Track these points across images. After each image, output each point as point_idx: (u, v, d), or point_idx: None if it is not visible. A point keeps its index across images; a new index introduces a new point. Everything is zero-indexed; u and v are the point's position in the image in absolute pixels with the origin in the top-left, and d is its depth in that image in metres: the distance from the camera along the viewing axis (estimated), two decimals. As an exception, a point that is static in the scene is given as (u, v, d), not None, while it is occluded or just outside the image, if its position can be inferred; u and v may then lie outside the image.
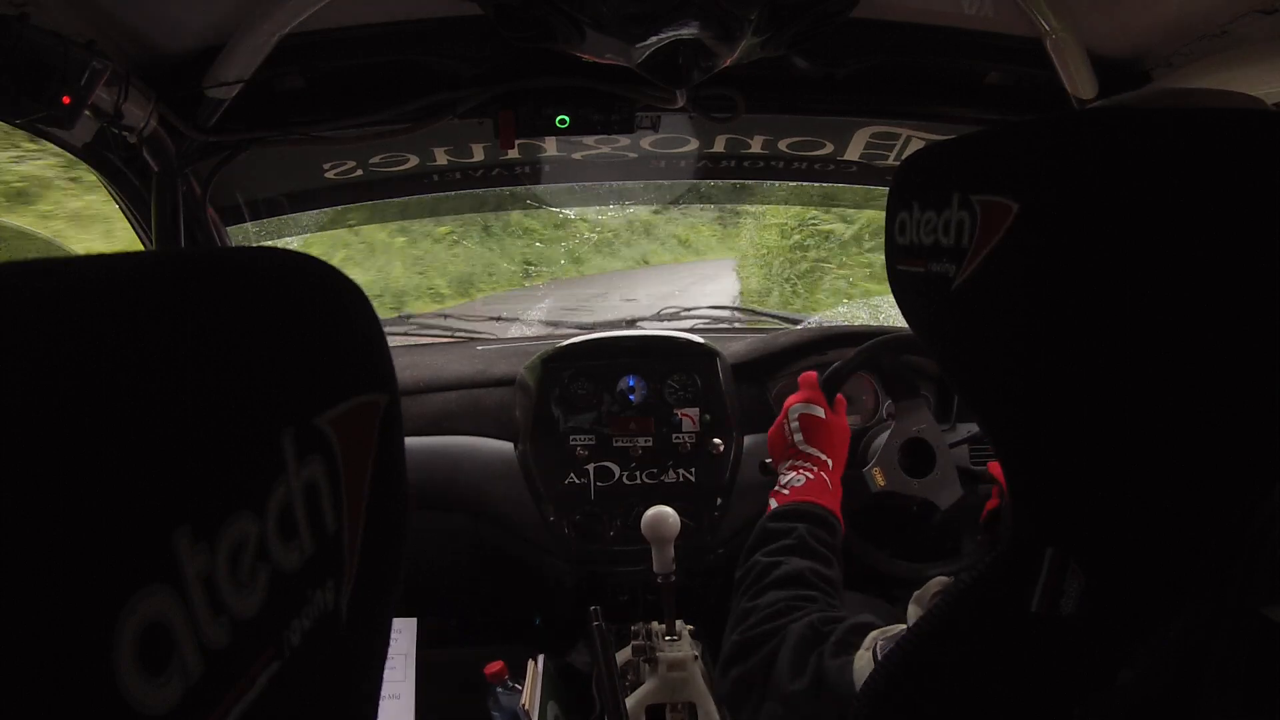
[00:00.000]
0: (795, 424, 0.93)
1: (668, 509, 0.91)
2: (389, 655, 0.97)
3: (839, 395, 1.00)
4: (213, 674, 0.17)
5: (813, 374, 0.99)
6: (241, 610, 0.18)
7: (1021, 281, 0.32)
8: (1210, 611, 0.32)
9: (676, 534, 0.91)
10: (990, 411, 0.39)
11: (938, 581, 0.56)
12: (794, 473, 0.87)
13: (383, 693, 0.93)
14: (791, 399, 0.96)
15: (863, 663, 0.55)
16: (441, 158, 1.21)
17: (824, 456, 0.89)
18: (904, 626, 0.53)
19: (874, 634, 0.56)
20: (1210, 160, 0.28)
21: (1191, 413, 0.30)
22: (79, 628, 0.14)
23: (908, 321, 0.42)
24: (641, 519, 0.92)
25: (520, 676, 0.98)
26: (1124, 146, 0.30)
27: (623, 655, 0.94)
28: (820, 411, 0.93)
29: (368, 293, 0.25)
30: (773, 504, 0.85)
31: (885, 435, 1.09)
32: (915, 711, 0.42)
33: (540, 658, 0.99)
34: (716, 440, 1.18)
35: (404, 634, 0.98)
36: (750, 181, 1.55)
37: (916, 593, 0.57)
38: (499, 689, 0.98)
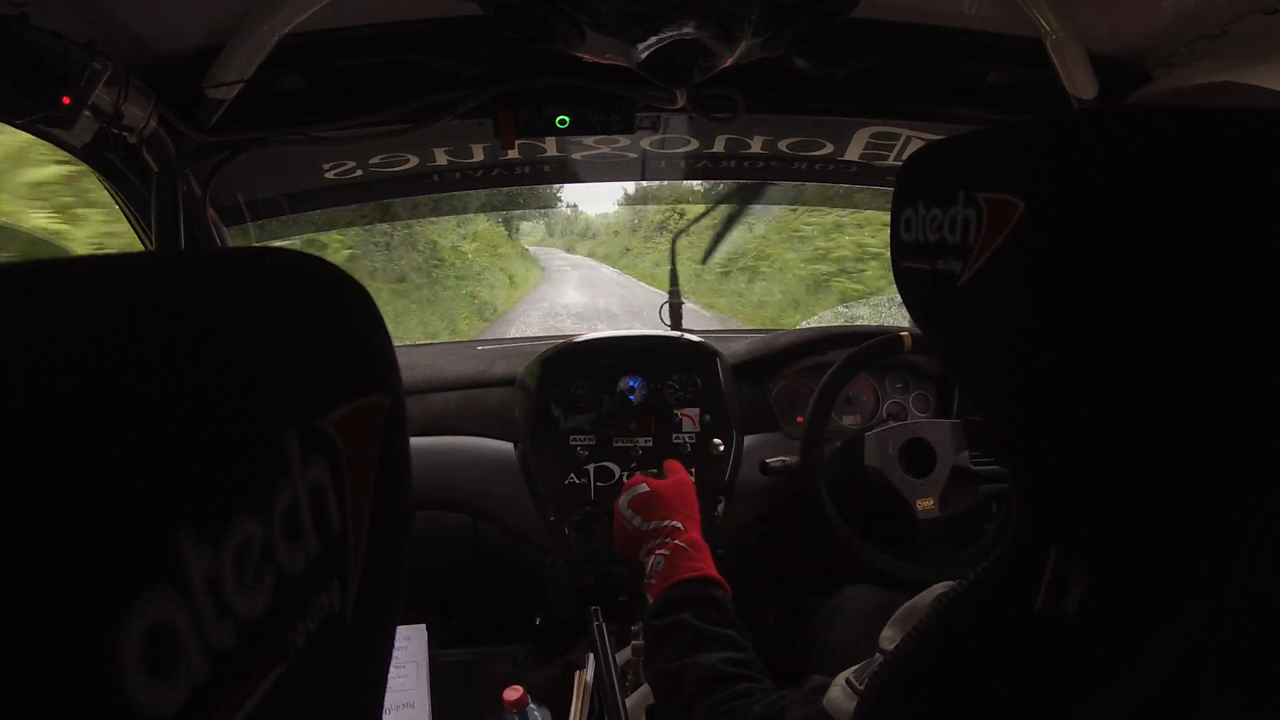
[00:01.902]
0: (628, 512, 0.85)
1: None
2: (401, 662, 0.93)
3: (666, 463, 0.95)
4: (218, 676, 0.17)
5: (636, 475, 0.92)
6: (247, 612, 0.18)
7: (1026, 279, 0.32)
8: (1210, 611, 0.32)
9: None
10: (994, 409, 0.39)
11: (928, 594, 0.55)
12: (651, 557, 0.78)
13: (398, 700, 0.91)
14: (618, 499, 0.88)
15: (836, 692, 0.52)
16: (441, 158, 1.21)
17: (670, 522, 0.81)
18: (878, 657, 0.51)
19: (843, 673, 0.54)
20: (1211, 160, 0.28)
21: (1193, 413, 0.30)
22: (84, 630, 0.14)
23: (913, 318, 0.42)
24: None
25: (524, 683, 0.96)
26: (1127, 145, 0.30)
27: (623, 655, 0.94)
28: (645, 488, 0.86)
29: None
30: (648, 599, 0.76)
31: (886, 431, 1.09)
32: (917, 710, 0.42)
33: (590, 661, 0.90)
34: (717, 440, 1.18)
35: (415, 641, 0.96)
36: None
37: (895, 615, 0.56)
38: (516, 716, 0.92)
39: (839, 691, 0.52)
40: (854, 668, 0.53)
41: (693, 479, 1.14)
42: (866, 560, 1.03)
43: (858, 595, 1.04)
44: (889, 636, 0.55)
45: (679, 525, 0.81)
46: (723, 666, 0.63)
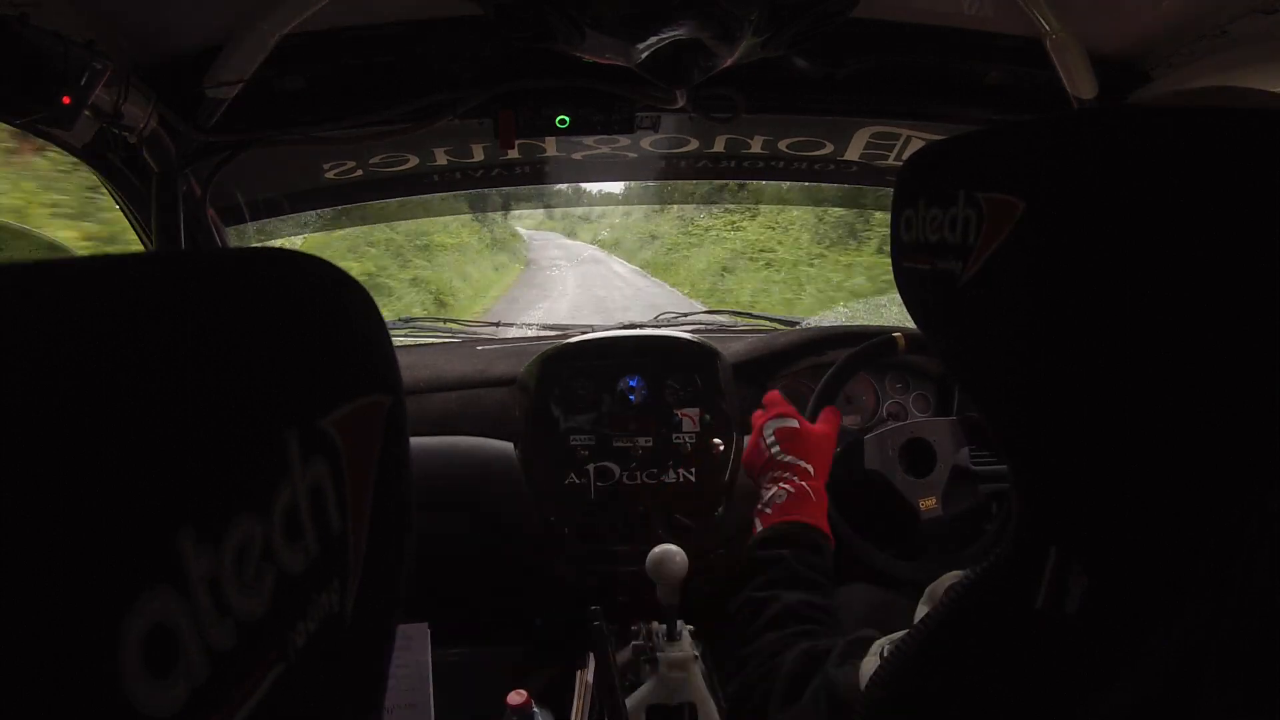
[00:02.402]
0: (771, 438, 0.89)
1: (675, 548, 0.88)
2: (404, 663, 0.91)
3: (825, 410, 0.98)
4: (218, 676, 0.17)
5: (775, 392, 0.96)
6: (247, 612, 0.18)
7: (1026, 279, 0.32)
8: (1210, 611, 0.32)
9: (684, 576, 0.88)
10: (995, 409, 0.39)
11: (952, 575, 0.55)
12: (775, 486, 0.82)
13: (400, 701, 0.90)
14: (760, 417, 0.92)
15: (870, 666, 0.53)
16: (441, 158, 1.21)
17: (805, 464, 0.85)
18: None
19: (880, 640, 0.55)
20: (1211, 160, 0.28)
21: (1192, 413, 0.30)
22: (84, 630, 0.14)
23: (913, 318, 0.42)
24: (647, 558, 0.89)
25: (524, 683, 0.96)
26: (1127, 145, 0.30)
27: (623, 655, 0.94)
28: (795, 423, 0.90)
29: None
30: (758, 525, 0.81)
31: (885, 433, 1.09)
32: (918, 708, 0.42)
33: (590, 661, 0.90)
34: (717, 440, 1.18)
35: (417, 641, 0.95)
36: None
37: (929, 588, 0.56)
38: None
39: (873, 662, 0.53)
40: (893, 639, 0.53)
41: (694, 479, 1.15)
42: (867, 560, 1.03)
43: (858, 595, 1.04)
44: (923, 612, 0.55)
45: (811, 469, 0.83)
46: (800, 607, 0.67)
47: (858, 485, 1.11)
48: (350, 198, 1.29)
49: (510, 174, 1.30)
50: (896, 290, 0.42)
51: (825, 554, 0.76)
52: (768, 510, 0.81)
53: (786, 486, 0.82)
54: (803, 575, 0.72)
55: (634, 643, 0.94)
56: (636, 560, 0.94)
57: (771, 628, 0.67)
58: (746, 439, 1.20)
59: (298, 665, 0.20)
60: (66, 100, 0.70)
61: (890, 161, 1.29)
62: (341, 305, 0.24)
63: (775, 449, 0.87)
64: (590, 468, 1.15)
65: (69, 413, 0.14)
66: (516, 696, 0.89)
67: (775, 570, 0.72)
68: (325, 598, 0.21)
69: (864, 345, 1.06)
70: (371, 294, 0.26)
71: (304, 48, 0.90)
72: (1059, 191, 0.31)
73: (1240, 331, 0.29)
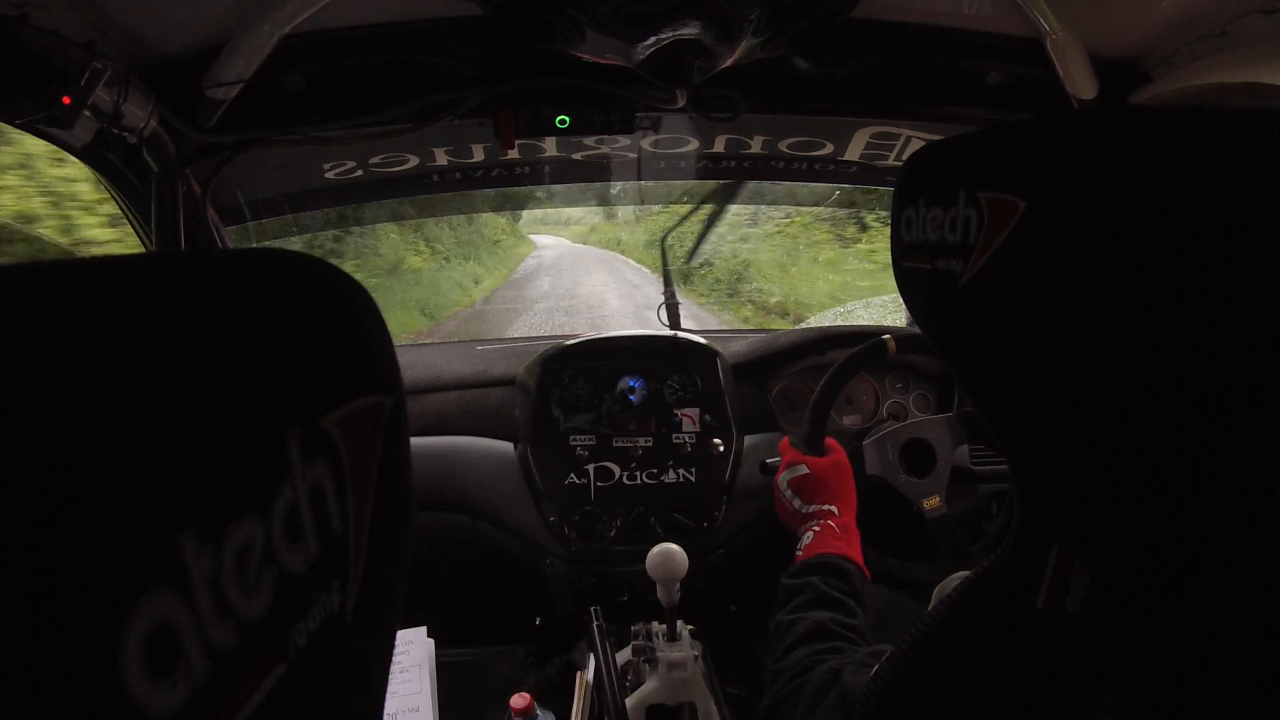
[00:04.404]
0: (789, 493, 0.95)
1: (676, 547, 0.88)
2: (406, 666, 0.91)
3: (827, 439, 1.01)
4: (219, 676, 0.17)
5: (785, 440, 1.02)
6: (248, 612, 0.18)
7: (1027, 279, 0.32)
8: (1213, 610, 0.32)
9: (684, 575, 0.88)
10: (996, 409, 0.39)
11: (961, 574, 0.55)
12: (806, 533, 0.88)
13: (403, 705, 0.90)
14: (777, 474, 0.99)
15: None
16: (441, 158, 1.21)
17: (827, 506, 0.90)
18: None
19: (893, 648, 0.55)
20: (1212, 160, 0.28)
21: (1194, 411, 0.30)
22: (86, 630, 0.14)
23: (914, 318, 0.42)
24: (647, 558, 0.89)
25: (524, 683, 0.95)
26: (1127, 145, 0.30)
27: (623, 655, 0.94)
28: (804, 468, 0.95)
29: None
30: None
31: (884, 436, 1.09)
32: (920, 706, 0.42)
33: (590, 661, 0.91)
34: (717, 440, 1.18)
35: (419, 645, 0.95)
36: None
37: (939, 587, 0.57)
38: None
39: None
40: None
41: (694, 479, 1.15)
42: (879, 566, 1.02)
43: (875, 593, 1.05)
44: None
45: (834, 510, 0.90)
46: (829, 624, 0.70)
47: (861, 492, 1.11)
48: (350, 198, 1.29)
49: (510, 174, 1.30)
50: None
51: (852, 579, 0.78)
52: (799, 551, 0.86)
53: (813, 528, 0.87)
54: (830, 597, 0.74)
55: (634, 643, 0.94)
56: (636, 560, 0.94)
57: (800, 644, 0.68)
58: (748, 440, 1.21)
59: (298, 665, 0.20)
60: (66, 100, 0.70)
61: (890, 161, 1.29)
62: (343, 306, 0.24)
63: (796, 502, 0.93)
64: (590, 468, 1.15)
65: (70, 414, 0.14)
66: (520, 700, 0.90)
67: (803, 595, 0.75)
68: (326, 598, 0.21)
69: (851, 354, 1.05)
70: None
71: (304, 48, 0.90)
72: (1059, 191, 0.31)
73: (1240, 331, 0.29)
